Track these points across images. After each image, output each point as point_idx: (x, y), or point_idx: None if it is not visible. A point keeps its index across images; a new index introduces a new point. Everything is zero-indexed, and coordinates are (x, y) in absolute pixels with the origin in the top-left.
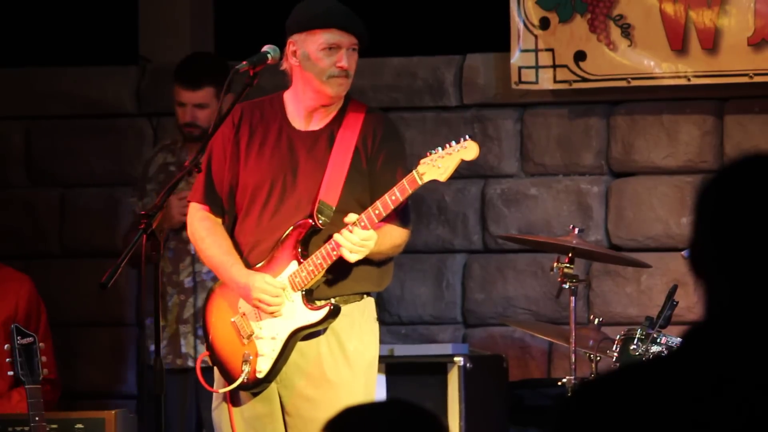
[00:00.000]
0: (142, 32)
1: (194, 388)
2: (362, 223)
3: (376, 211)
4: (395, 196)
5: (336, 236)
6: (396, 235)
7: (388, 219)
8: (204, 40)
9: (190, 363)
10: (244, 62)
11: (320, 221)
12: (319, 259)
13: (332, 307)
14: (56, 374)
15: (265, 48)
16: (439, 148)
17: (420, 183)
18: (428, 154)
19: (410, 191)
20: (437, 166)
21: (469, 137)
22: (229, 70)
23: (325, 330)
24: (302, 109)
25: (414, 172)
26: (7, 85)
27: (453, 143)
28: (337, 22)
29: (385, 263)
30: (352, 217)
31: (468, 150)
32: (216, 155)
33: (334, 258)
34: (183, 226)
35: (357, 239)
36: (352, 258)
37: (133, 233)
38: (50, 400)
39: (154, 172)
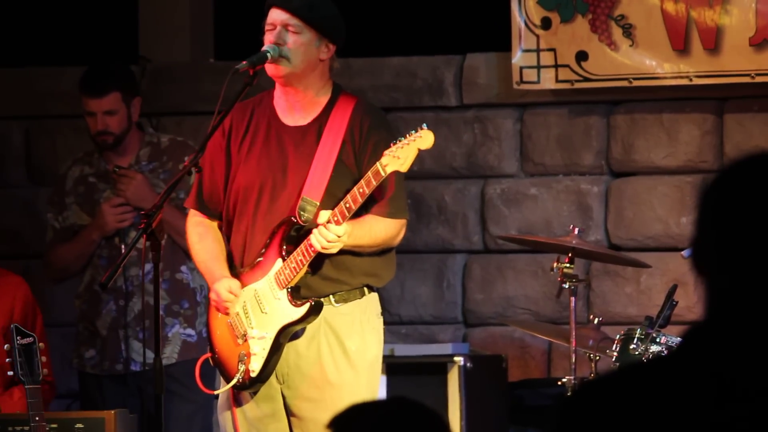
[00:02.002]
0: (142, 32)
1: (137, 393)
2: (336, 218)
3: (347, 205)
4: (362, 188)
5: (311, 237)
6: (380, 228)
7: (374, 209)
8: (204, 40)
9: (134, 367)
10: (244, 62)
11: (302, 218)
12: (300, 256)
13: (313, 303)
14: (52, 376)
15: (265, 47)
16: (402, 138)
17: (383, 175)
18: (392, 144)
19: (375, 183)
20: (397, 156)
21: (426, 126)
22: (133, 75)
23: (305, 330)
24: (284, 101)
25: (378, 163)
26: (7, 85)
27: (412, 132)
28: (272, 1)
29: (383, 255)
30: (324, 216)
31: (423, 139)
32: (208, 163)
33: (312, 255)
34: (116, 233)
35: (332, 236)
36: (325, 252)
37: (57, 247)
38: (46, 399)
39: (71, 185)
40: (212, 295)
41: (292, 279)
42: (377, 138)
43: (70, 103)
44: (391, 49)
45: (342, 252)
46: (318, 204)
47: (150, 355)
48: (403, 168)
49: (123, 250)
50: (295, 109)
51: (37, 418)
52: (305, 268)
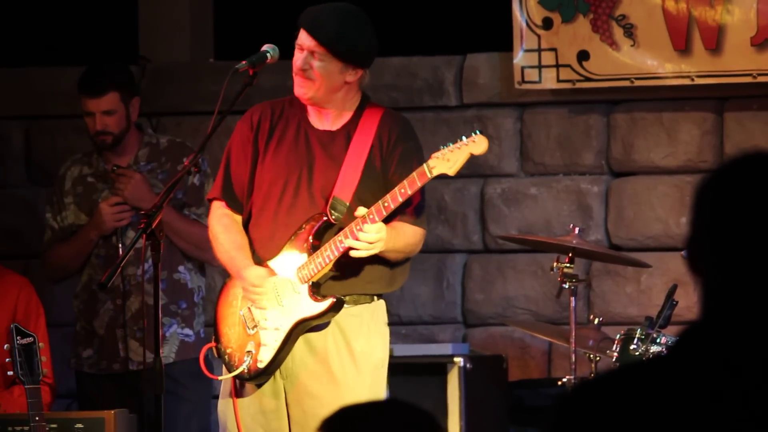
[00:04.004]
0: (142, 32)
1: (135, 392)
2: (371, 216)
3: (386, 204)
4: (404, 189)
5: (346, 235)
6: (409, 233)
7: (401, 217)
8: (204, 40)
9: (132, 366)
10: (244, 62)
11: (333, 216)
12: (327, 252)
13: (335, 300)
14: (53, 378)
15: (265, 47)
16: (450, 143)
17: (429, 176)
18: (440, 148)
19: (419, 185)
20: (447, 159)
21: (480, 132)
22: (131, 75)
23: (328, 323)
24: (314, 109)
25: (424, 165)
26: (7, 85)
27: (464, 138)
28: (303, 22)
29: (400, 264)
30: (362, 210)
31: (477, 144)
32: (235, 154)
33: (342, 251)
34: (113, 232)
35: (370, 237)
36: (357, 255)
37: (55, 247)
38: (46, 401)
39: (70, 186)
40: (241, 283)
41: (315, 274)
42: (403, 147)
43: (70, 103)
44: (391, 49)
45: (365, 258)
46: (348, 204)
47: (148, 354)
48: (451, 171)
49: (120, 250)
50: (324, 117)
51: (37, 418)
52: (330, 266)
